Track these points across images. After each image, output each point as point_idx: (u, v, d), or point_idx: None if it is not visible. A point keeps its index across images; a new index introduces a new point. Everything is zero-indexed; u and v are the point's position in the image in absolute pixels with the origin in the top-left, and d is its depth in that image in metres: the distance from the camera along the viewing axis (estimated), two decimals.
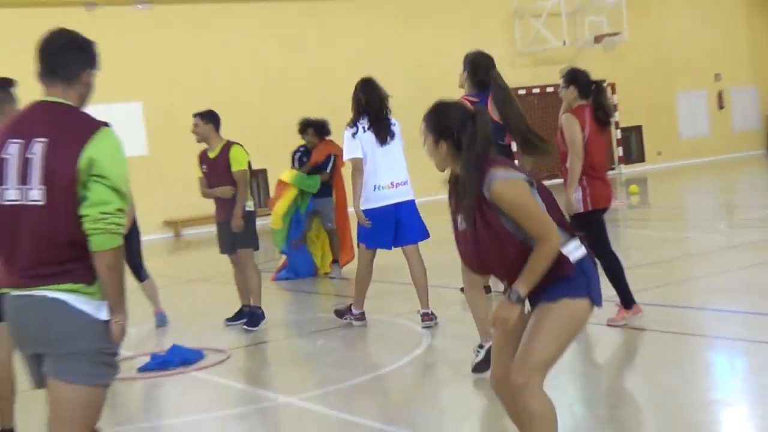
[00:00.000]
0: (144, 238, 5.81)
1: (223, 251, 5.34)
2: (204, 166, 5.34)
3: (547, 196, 2.13)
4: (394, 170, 4.83)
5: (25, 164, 1.80)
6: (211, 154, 5.38)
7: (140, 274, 5.60)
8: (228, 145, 5.21)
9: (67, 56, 1.95)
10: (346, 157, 4.88)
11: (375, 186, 4.63)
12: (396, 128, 4.91)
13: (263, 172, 12.25)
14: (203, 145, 5.29)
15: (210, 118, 5.32)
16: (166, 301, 5.77)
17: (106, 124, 1.88)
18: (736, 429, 3.38)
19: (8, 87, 3.14)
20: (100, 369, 1.95)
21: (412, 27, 15.75)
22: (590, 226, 4.01)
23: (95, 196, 1.75)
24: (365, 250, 4.81)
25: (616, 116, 16.48)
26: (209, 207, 5.72)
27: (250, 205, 5.12)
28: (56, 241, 1.80)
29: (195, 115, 5.35)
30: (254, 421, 4.00)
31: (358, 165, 4.62)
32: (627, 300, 4.24)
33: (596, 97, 4.48)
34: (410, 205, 4.81)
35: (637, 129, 18.65)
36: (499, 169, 2.00)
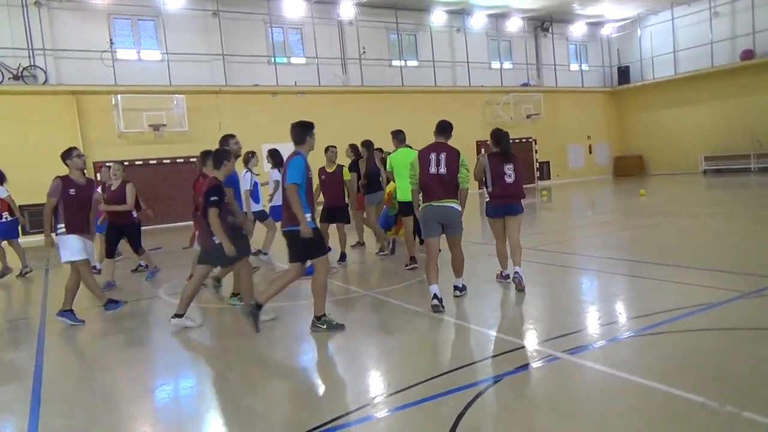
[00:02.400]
0: None
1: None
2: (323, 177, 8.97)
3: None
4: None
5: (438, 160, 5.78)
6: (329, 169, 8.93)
7: (138, 249, 8.88)
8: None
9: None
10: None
11: None
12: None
13: None
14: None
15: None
16: None
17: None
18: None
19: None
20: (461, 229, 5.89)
21: (419, 111, 21.44)
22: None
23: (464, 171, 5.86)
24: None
25: (536, 155, 27.65)
26: None
27: None
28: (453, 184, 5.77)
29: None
30: (344, 308, 7.21)
31: None
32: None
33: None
34: None
35: (547, 162, 28.03)
36: None
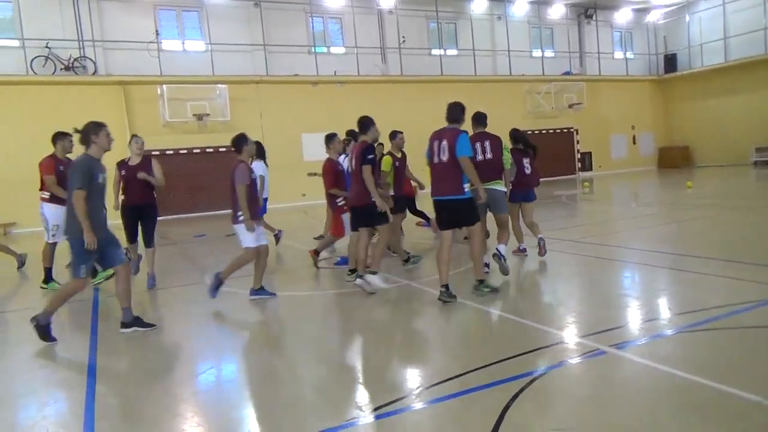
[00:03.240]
0: None
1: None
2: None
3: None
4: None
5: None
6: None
7: (150, 242, 7.48)
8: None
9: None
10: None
11: None
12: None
13: None
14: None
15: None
16: None
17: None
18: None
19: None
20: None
21: (465, 102, 23.75)
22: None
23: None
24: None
25: (577, 145, 27.20)
26: None
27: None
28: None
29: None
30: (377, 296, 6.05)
31: None
32: None
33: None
34: None
35: (589, 153, 27.51)
36: None
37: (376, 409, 3.47)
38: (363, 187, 6.29)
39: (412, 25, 23.97)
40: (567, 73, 27.20)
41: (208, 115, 19.59)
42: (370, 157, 6.30)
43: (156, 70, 19.41)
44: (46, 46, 18.23)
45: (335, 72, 22.20)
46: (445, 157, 5.64)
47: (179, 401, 3.93)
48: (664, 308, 5.40)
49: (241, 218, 6.31)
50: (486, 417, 3.21)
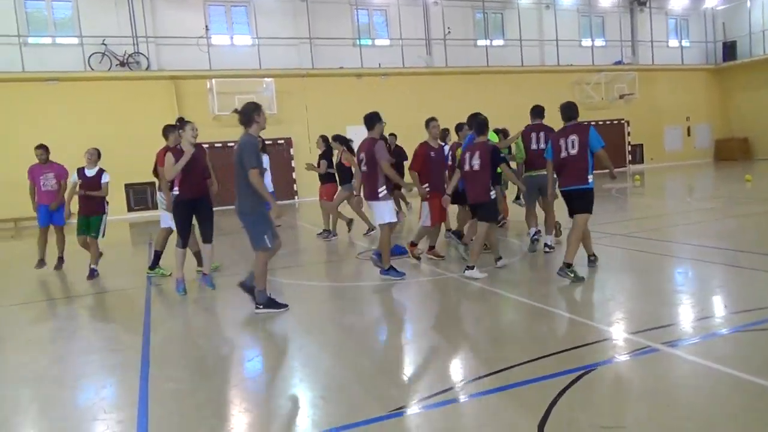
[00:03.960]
0: None
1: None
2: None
3: None
4: None
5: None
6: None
7: (210, 237, 6.78)
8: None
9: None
10: None
11: None
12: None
13: None
14: None
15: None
16: None
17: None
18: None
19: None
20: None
21: (505, 92, 21.76)
22: None
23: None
24: None
25: (628, 137, 26.19)
26: None
27: None
28: None
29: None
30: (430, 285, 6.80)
31: None
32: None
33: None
34: None
35: (640, 145, 26.64)
36: None
37: (421, 400, 3.47)
38: (478, 185, 6.68)
39: (458, 15, 23.69)
40: (618, 63, 26.35)
41: None
42: (502, 156, 7.05)
43: (206, 64, 19.86)
44: (103, 43, 18.91)
45: (380, 64, 22.19)
46: (574, 151, 6.11)
47: (229, 387, 4.02)
48: (720, 306, 5.19)
49: (382, 194, 6.67)
50: (533, 412, 3.17)
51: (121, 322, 6.08)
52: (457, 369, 4.12)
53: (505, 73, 23.43)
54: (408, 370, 4.15)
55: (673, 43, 28.35)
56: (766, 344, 4.12)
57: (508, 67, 23.86)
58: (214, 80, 19.48)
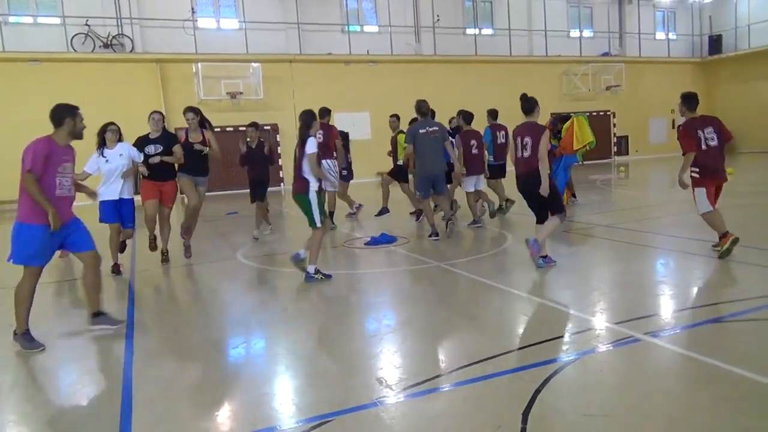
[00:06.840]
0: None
1: None
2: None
3: None
4: None
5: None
6: None
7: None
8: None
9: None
10: None
11: None
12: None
13: None
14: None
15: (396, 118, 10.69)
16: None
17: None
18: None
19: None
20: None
21: (493, 81, 21.89)
22: None
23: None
24: None
25: (614, 128, 26.59)
26: None
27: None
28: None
29: (391, 116, 10.79)
30: (422, 276, 7.06)
31: None
32: None
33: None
34: None
35: (625, 137, 26.99)
36: None
37: (407, 389, 3.48)
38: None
39: (447, 3, 23.60)
40: (606, 54, 26.56)
41: (241, 93, 19.74)
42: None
43: (191, 48, 19.59)
44: (86, 24, 18.55)
45: (368, 51, 22.06)
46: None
47: (214, 374, 4.00)
48: (702, 297, 5.27)
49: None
50: (517, 400, 3.19)
51: (110, 305, 5.99)
52: (441, 358, 4.13)
53: (493, 62, 23.47)
54: (394, 358, 4.15)
55: (660, 35, 28.54)
56: (745, 335, 4.18)
57: (496, 56, 23.87)
58: (199, 64, 19.22)
